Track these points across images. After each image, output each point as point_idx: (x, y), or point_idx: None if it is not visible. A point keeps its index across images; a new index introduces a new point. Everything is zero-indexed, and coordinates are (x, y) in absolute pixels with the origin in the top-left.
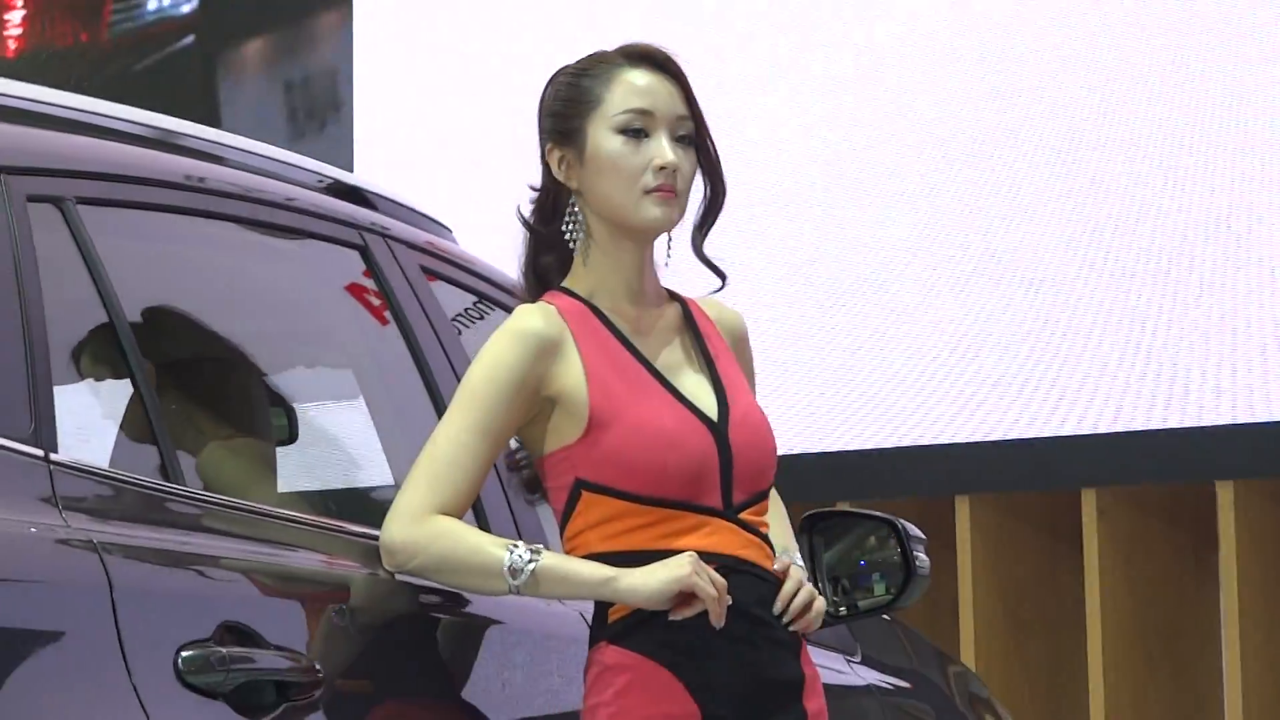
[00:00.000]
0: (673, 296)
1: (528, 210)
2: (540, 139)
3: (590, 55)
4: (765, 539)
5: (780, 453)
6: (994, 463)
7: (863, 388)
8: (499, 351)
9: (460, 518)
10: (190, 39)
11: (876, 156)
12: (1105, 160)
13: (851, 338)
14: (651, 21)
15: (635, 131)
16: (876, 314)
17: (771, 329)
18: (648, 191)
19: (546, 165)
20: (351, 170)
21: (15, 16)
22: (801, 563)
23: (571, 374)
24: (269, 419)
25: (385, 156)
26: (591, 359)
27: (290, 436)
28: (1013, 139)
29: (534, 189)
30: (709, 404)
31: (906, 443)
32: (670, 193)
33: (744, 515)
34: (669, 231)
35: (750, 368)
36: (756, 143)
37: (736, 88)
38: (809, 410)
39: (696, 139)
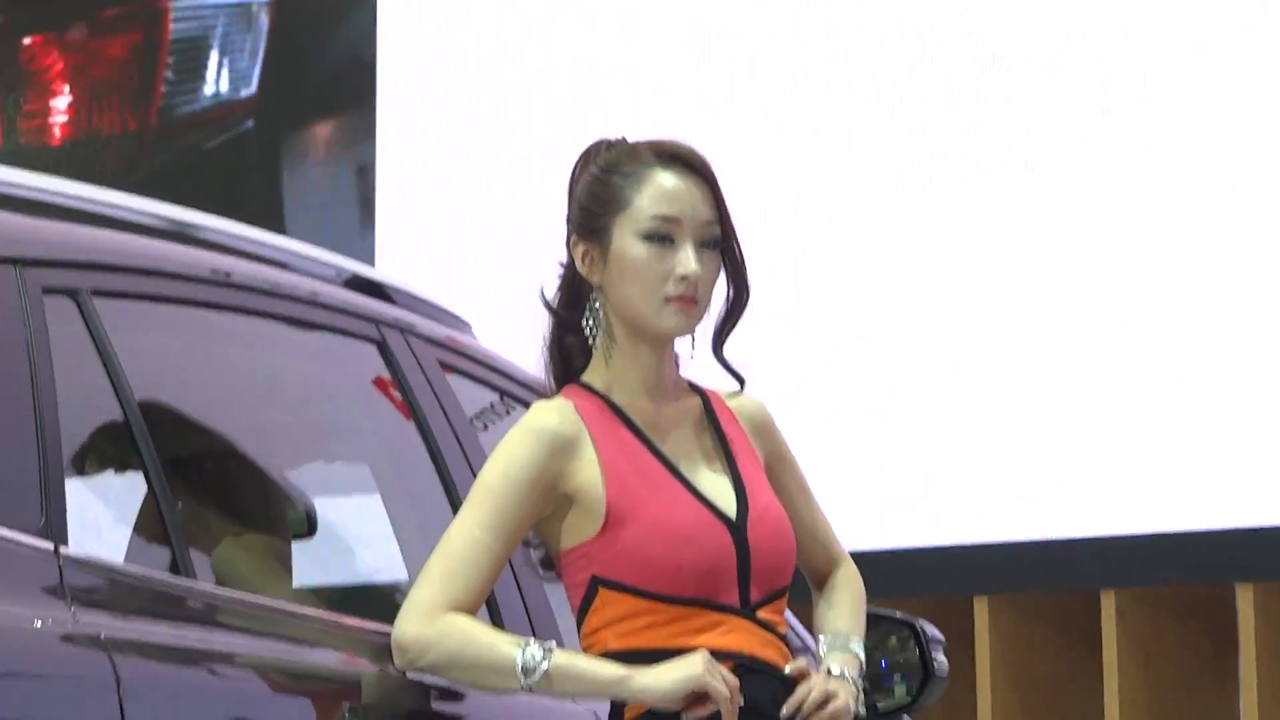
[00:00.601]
0: (693, 389)
1: (552, 289)
2: (567, 225)
3: (621, 148)
4: (783, 638)
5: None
6: (1012, 563)
7: (880, 486)
8: (515, 449)
9: (474, 614)
10: (250, 124)
11: (895, 251)
12: (1123, 256)
13: (867, 436)
14: (672, 104)
15: (661, 238)
16: (892, 412)
17: (784, 428)
18: (669, 300)
19: (570, 257)
20: (373, 263)
21: (61, 103)
22: (859, 650)
23: (588, 471)
24: (285, 514)
25: (406, 250)
26: (608, 456)
27: (309, 531)
28: (1031, 242)
29: (562, 265)
30: (727, 501)
31: (924, 542)
32: (691, 302)
33: (761, 613)
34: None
35: (783, 452)
36: (761, 217)
37: (771, 141)
38: (825, 509)
39: (723, 242)
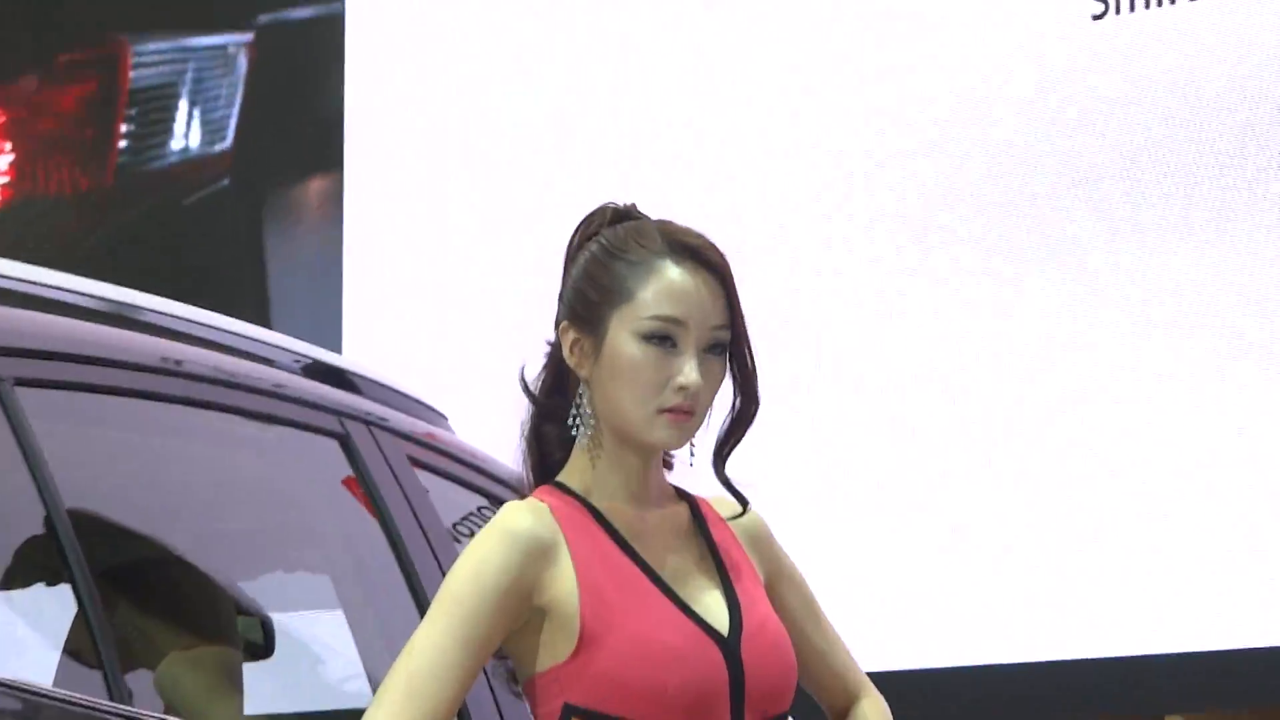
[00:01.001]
0: (680, 495)
1: (535, 369)
2: (558, 303)
3: (630, 228)
4: None
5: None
6: (1064, 684)
7: (916, 600)
8: (485, 552)
9: None
10: (225, 181)
11: (927, 351)
12: (1173, 360)
13: (903, 545)
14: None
15: (662, 339)
16: (929, 519)
17: (806, 542)
18: (662, 411)
19: (558, 340)
20: (339, 348)
21: (1, 162)
22: None
23: (562, 582)
24: (235, 629)
25: (377, 331)
26: (584, 565)
27: (265, 649)
28: (1065, 354)
29: (549, 344)
30: (719, 616)
31: (967, 662)
32: (687, 415)
33: None
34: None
35: (785, 566)
36: (776, 304)
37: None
38: (851, 623)
39: (732, 346)
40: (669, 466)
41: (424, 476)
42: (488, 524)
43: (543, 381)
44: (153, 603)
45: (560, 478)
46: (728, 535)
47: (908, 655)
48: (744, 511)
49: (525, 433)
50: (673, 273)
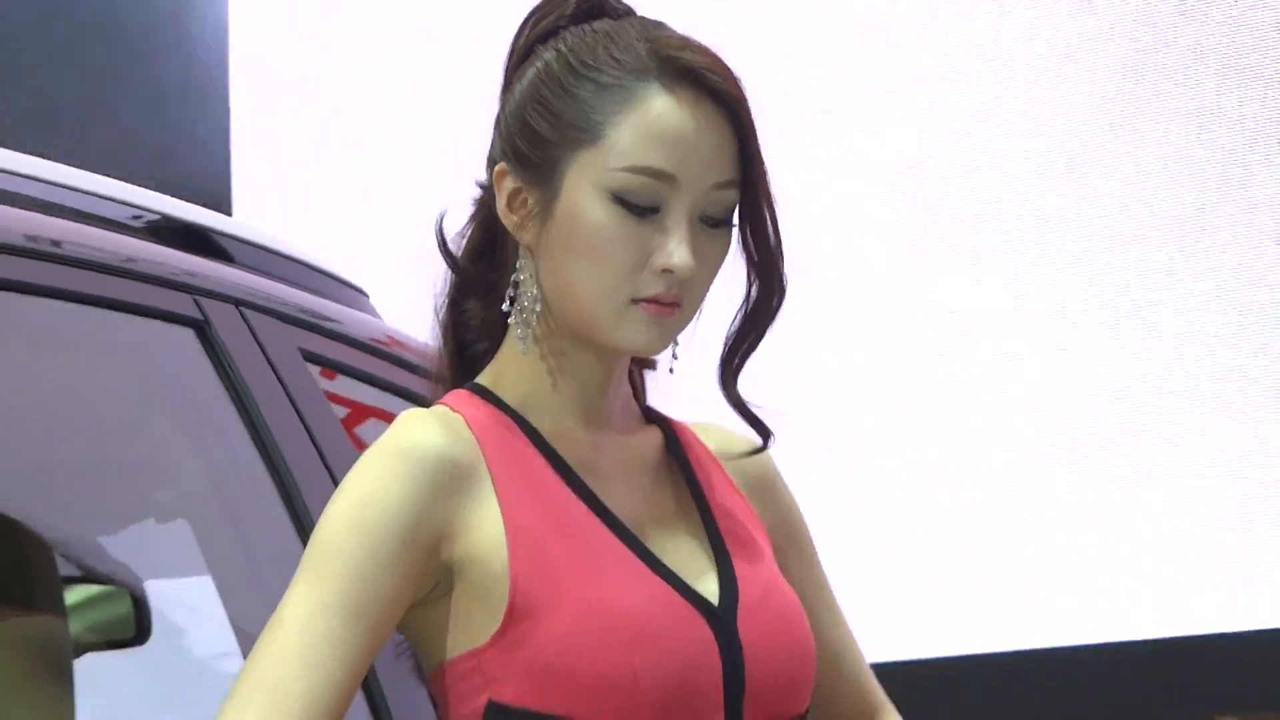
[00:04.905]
0: (650, 417)
1: (459, 222)
2: (494, 137)
3: (604, 37)
4: None
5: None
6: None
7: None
8: (376, 483)
9: None
10: None
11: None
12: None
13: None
14: None
15: (642, 203)
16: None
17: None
18: (637, 300)
19: (491, 186)
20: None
21: None
22: None
23: (484, 528)
24: (59, 597)
25: (274, 188)
26: (514, 505)
27: (138, 631)
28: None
29: (480, 187)
30: (706, 580)
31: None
32: (670, 309)
33: None
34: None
35: (795, 529)
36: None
37: None
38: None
39: (745, 210)
40: (645, 371)
41: (325, 381)
42: (376, 442)
43: (468, 240)
44: None
45: (482, 379)
46: (718, 474)
47: (936, 644)
48: (764, 447)
49: (441, 311)
50: (662, 104)
